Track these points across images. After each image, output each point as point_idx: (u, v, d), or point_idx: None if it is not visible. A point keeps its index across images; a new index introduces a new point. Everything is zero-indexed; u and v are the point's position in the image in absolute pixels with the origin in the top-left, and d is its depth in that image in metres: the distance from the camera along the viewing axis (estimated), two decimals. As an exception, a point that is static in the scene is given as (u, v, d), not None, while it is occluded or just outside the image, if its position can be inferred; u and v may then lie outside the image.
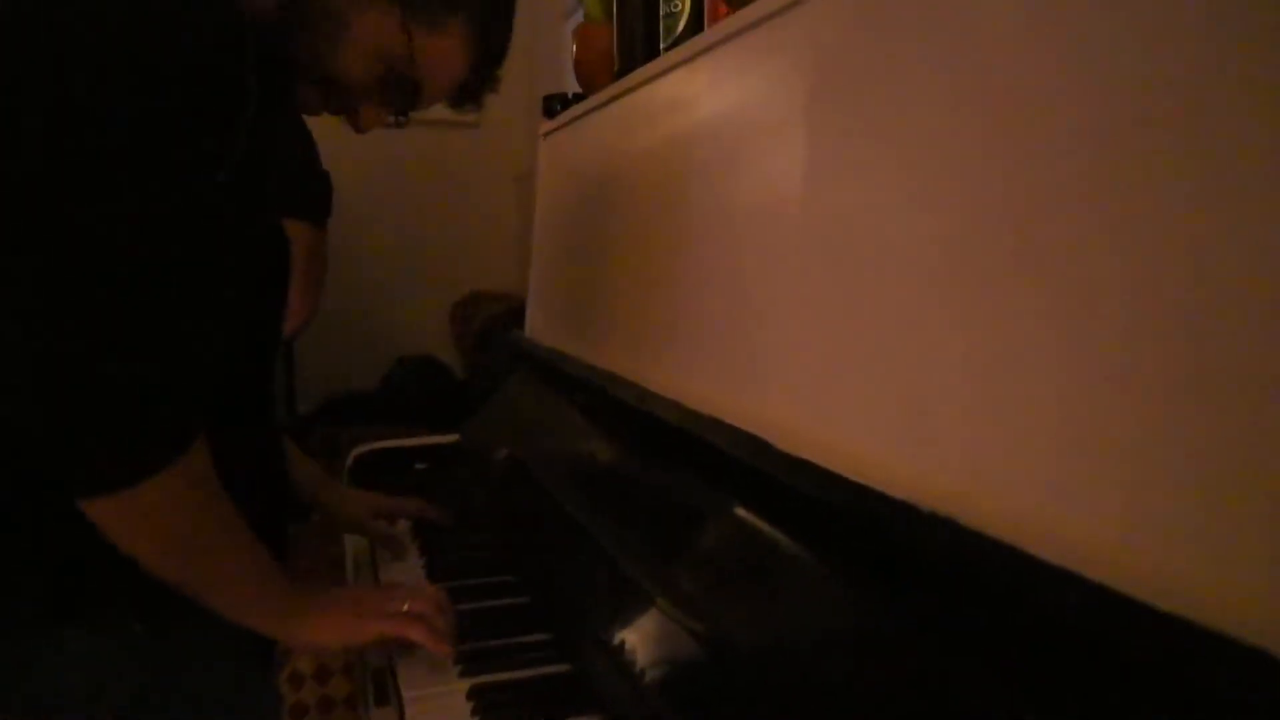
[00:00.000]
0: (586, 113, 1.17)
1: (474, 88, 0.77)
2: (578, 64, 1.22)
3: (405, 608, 0.75)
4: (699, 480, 0.70)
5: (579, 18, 1.33)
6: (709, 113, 0.82)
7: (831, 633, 0.51)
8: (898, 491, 0.47)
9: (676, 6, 0.98)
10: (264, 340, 0.79)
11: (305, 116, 1.81)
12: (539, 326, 1.34)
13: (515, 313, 1.49)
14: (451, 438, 1.35)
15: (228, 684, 0.75)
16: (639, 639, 0.66)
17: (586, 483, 0.86)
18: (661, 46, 1.00)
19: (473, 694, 0.70)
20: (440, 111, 2.78)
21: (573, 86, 1.30)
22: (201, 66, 0.57)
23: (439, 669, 0.74)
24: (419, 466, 1.32)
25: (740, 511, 0.63)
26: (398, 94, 0.72)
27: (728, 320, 0.74)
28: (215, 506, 0.65)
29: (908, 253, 0.52)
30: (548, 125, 1.34)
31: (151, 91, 0.55)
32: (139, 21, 0.54)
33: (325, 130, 1.91)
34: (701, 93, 0.84)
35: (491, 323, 2.32)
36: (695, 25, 0.95)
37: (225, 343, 0.71)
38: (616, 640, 0.68)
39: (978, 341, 0.46)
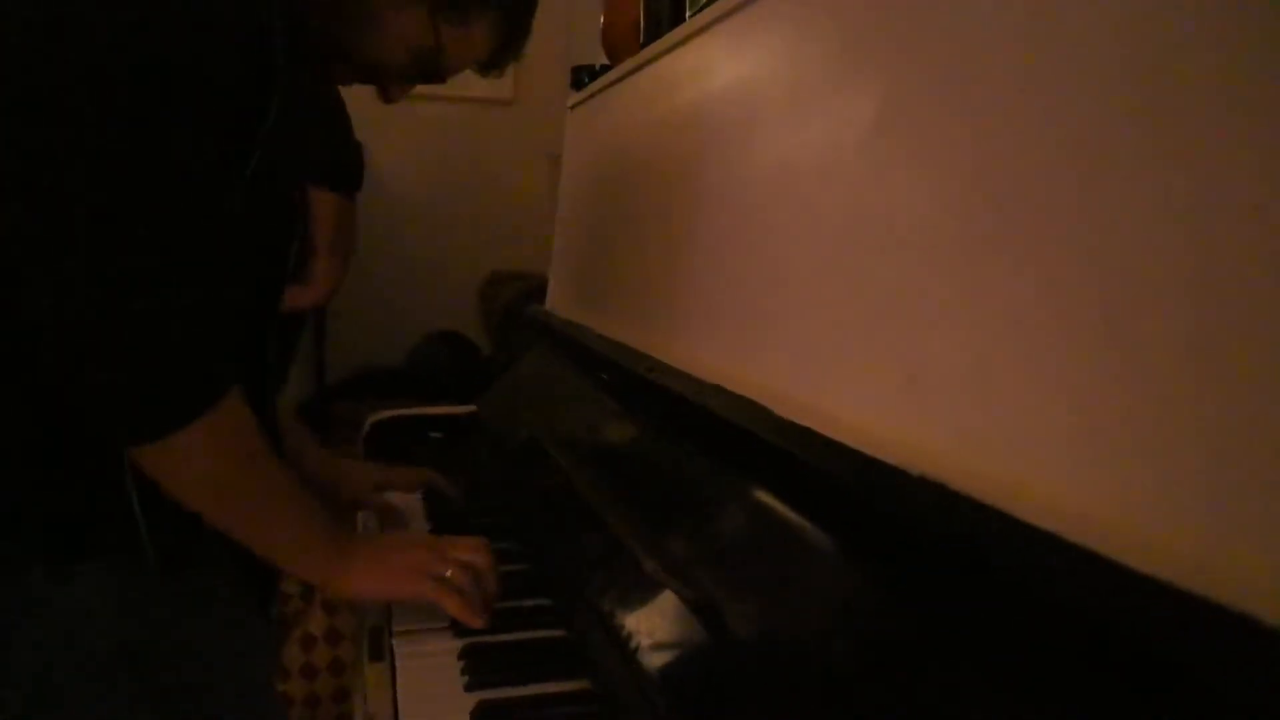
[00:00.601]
0: (611, 84, 1.15)
1: (498, 61, 0.80)
2: (605, 34, 1.20)
3: (449, 573, 0.74)
4: (700, 447, 0.69)
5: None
6: (725, 82, 0.81)
7: (829, 605, 0.50)
8: (893, 458, 0.45)
9: (704, -26, 0.96)
10: (261, 306, 0.79)
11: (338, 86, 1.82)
12: (559, 300, 1.33)
13: (540, 290, 1.49)
14: (468, 408, 1.35)
15: (230, 626, 0.75)
16: (633, 610, 0.65)
17: (592, 452, 0.85)
18: (687, 14, 0.98)
19: (464, 654, 0.70)
20: (477, 89, 2.79)
21: (605, 59, 1.29)
22: (235, 43, 0.60)
23: (433, 629, 0.74)
24: (434, 435, 1.32)
25: (740, 480, 0.62)
26: (423, 75, 0.76)
27: (738, 290, 0.73)
28: (257, 451, 0.66)
29: (919, 223, 0.50)
30: (575, 98, 1.32)
31: (188, 56, 0.58)
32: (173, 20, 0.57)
33: (361, 104, 1.93)
34: (719, 61, 0.83)
35: (517, 299, 2.32)
36: (722, -7, 0.93)
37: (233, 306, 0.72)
38: (610, 610, 0.67)
39: (983, 314, 0.44)
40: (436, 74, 0.76)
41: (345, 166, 1.80)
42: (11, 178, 0.57)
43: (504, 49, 0.78)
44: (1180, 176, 0.35)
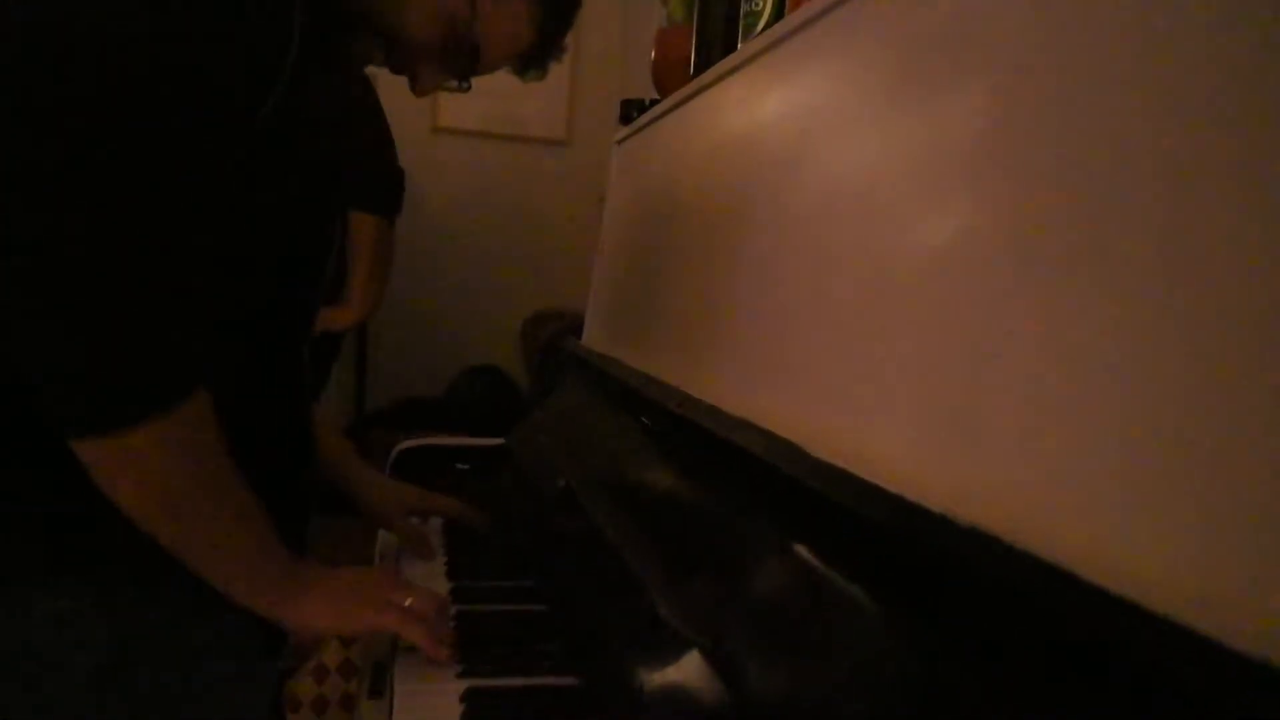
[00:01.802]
0: (657, 118, 1.13)
1: (539, 55, 0.76)
2: (656, 68, 1.19)
3: (408, 602, 0.71)
4: (729, 486, 0.64)
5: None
6: (768, 113, 0.78)
7: (862, 661, 0.45)
8: (937, 504, 0.41)
9: (758, 4, 0.94)
10: (294, 321, 0.76)
11: (383, 110, 1.83)
12: (595, 334, 1.31)
13: (579, 326, 1.47)
14: (496, 440, 1.32)
15: (223, 646, 0.71)
16: (649, 660, 0.60)
17: (616, 489, 0.81)
18: (739, 46, 0.96)
19: (467, 696, 0.66)
20: (534, 129, 2.81)
21: (653, 94, 1.27)
22: (248, 8, 0.56)
23: (438, 668, 0.70)
24: (460, 466, 1.29)
25: (769, 521, 0.57)
26: (458, 57, 0.70)
27: (775, 324, 0.69)
28: (211, 466, 0.61)
29: (966, 258, 0.46)
30: (621, 132, 1.31)
31: (193, 24, 0.54)
32: None
33: (415, 138, 1.95)
34: (764, 93, 0.80)
35: (554, 338, 2.31)
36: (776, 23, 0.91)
37: (253, 313, 0.70)
38: (624, 658, 0.62)
39: (1031, 347, 0.40)
40: (471, 57, 0.70)
41: (385, 190, 1.82)
42: None
43: (544, 35, 0.73)
44: (1267, 203, 0.30)
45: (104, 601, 0.64)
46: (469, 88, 0.76)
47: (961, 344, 0.45)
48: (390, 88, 1.94)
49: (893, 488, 0.44)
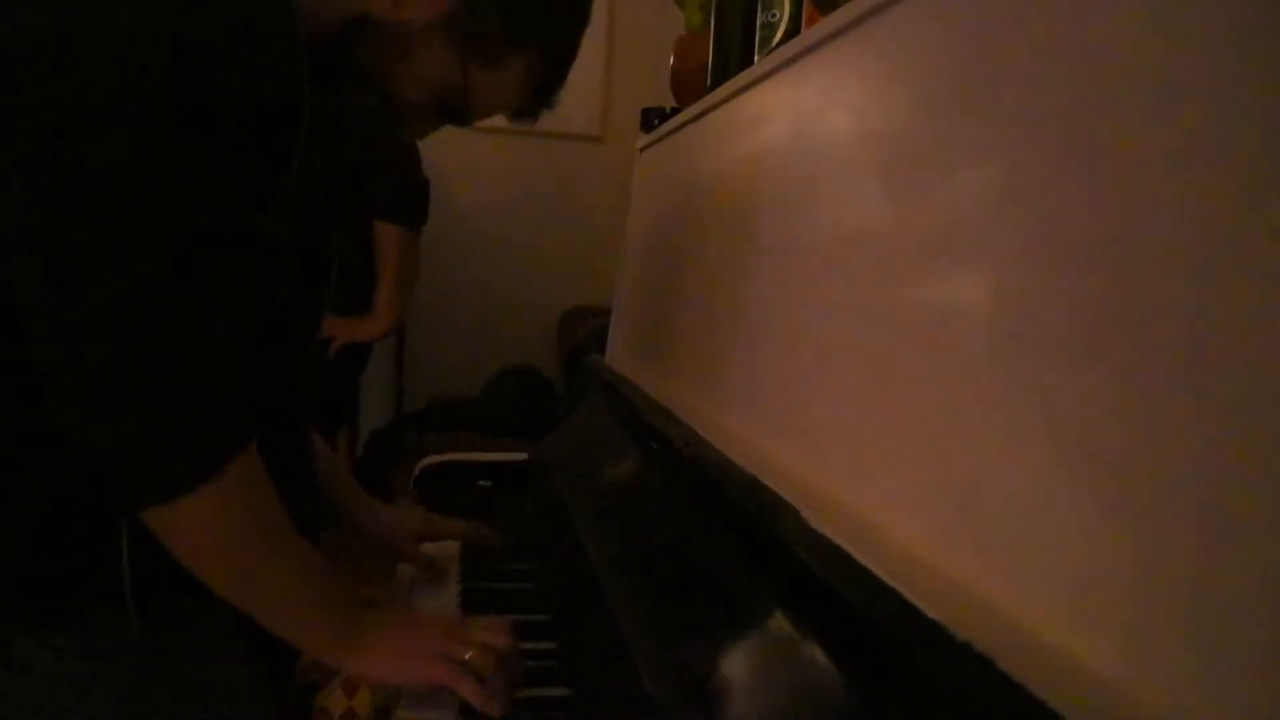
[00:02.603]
0: (678, 128, 1.10)
1: (531, 110, 0.76)
2: (674, 75, 1.15)
3: (467, 655, 0.69)
4: (729, 543, 0.61)
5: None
6: (790, 130, 0.74)
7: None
8: (936, 597, 0.37)
9: (775, 16, 0.90)
10: (292, 346, 0.76)
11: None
12: (618, 350, 1.28)
13: (607, 331, 1.45)
14: (520, 456, 1.30)
15: (225, 695, 0.71)
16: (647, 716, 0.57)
17: (621, 530, 0.79)
18: (756, 57, 0.92)
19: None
20: (569, 125, 2.78)
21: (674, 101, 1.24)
22: (265, 98, 0.57)
23: (437, 709, 0.69)
24: (482, 484, 1.28)
25: (765, 590, 0.54)
26: (446, 116, 0.72)
27: (783, 366, 0.65)
28: (267, 520, 0.62)
29: (982, 316, 0.42)
30: (643, 140, 1.28)
31: (213, 116, 0.55)
32: (202, 56, 0.54)
33: (443, 134, 1.95)
34: (784, 108, 0.76)
35: (585, 341, 2.29)
36: (793, 35, 0.87)
37: (257, 348, 0.69)
38: (625, 710, 0.60)
39: (1055, 422, 0.36)
40: (460, 116, 0.71)
41: (410, 201, 1.82)
42: (21, 211, 0.54)
43: (537, 96, 0.74)
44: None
45: (104, 655, 0.64)
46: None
47: (979, 418, 0.42)
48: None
49: (891, 575, 0.41)
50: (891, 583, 0.39)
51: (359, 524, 0.96)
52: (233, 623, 0.70)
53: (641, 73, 2.79)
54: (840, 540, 0.45)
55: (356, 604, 0.69)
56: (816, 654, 0.45)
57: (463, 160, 2.85)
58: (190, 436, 0.57)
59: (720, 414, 0.76)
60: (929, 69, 0.52)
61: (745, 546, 0.58)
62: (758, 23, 0.92)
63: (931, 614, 0.36)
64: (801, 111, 0.71)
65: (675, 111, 1.18)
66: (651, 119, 1.23)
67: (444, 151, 2.85)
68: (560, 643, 0.80)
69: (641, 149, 1.30)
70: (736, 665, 0.51)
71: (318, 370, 0.85)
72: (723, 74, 0.98)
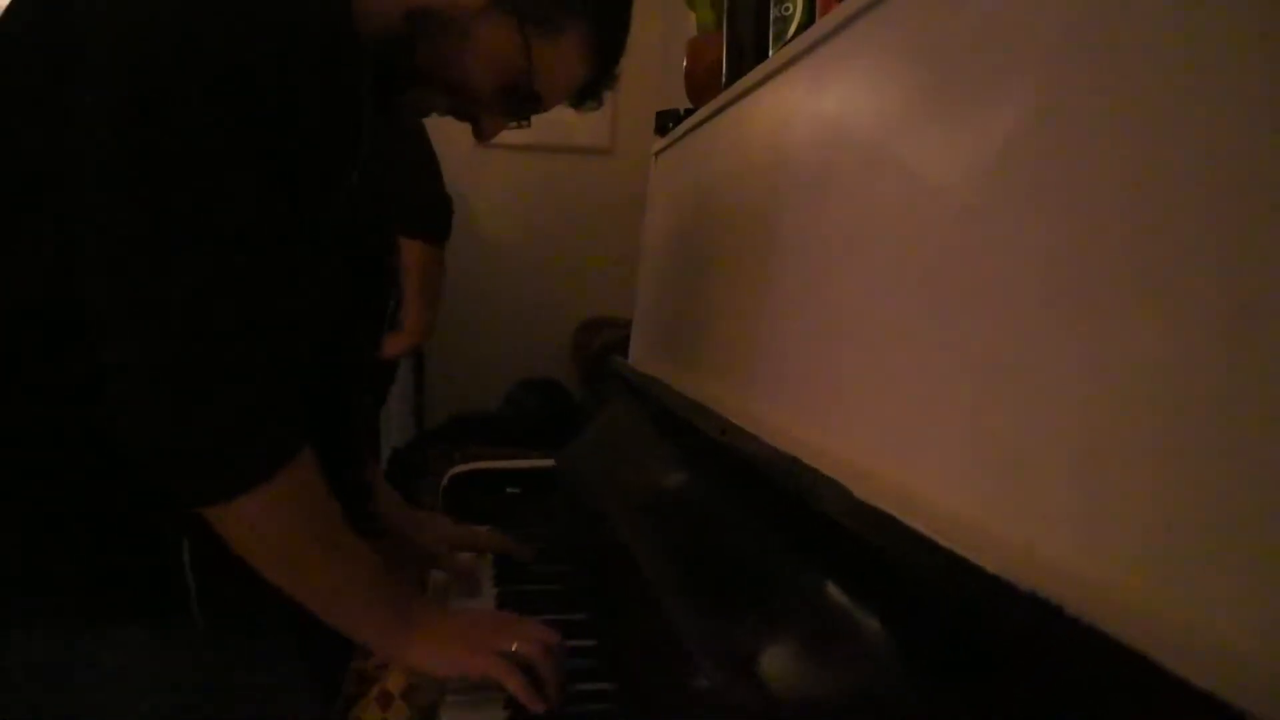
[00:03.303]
0: (693, 128, 1.11)
1: (593, 88, 0.77)
2: (688, 77, 1.16)
3: (514, 647, 0.70)
4: (771, 524, 0.62)
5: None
6: (808, 122, 0.74)
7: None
8: (993, 560, 0.37)
9: (788, 9, 0.90)
10: (348, 352, 0.77)
11: (431, 141, 1.86)
12: (641, 352, 1.28)
13: (629, 338, 1.45)
14: (547, 463, 1.31)
15: (279, 693, 0.72)
16: (694, 707, 0.58)
17: (659, 522, 0.79)
18: (770, 52, 0.93)
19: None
20: (578, 138, 2.80)
21: (688, 103, 1.24)
22: (326, 102, 0.59)
23: (484, 709, 0.69)
24: (511, 491, 1.28)
25: (812, 566, 0.54)
26: (518, 101, 0.72)
27: (819, 348, 0.66)
28: (322, 518, 0.64)
29: (1026, 276, 0.43)
30: (659, 144, 1.29)
31: (276, 123, 0.57)
32: (262, 65, 0.56)
33: (460, 152, 1.96)
34: (801, 99, 0.77)
35: (605, 349, 2.30)
36: (808, 27, 0.88)
37: (312, 353, 0.71)
38: (669, 701, 0.60)
39: (1104, 384, 0.36)
40: (530, 100, 0.72)
41: (434, 216, 1.83)
42: (92, 211, 0.56)
43: (598, 70, 0.74)
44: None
45: (164, 656, 0.65)
46: (529, 124, 0.77)
47: (1023, 378, 0.42)
48: (432, 107, 1.96)
49: (943, 537, 0.41)
50: (948, 544, 0.40)
51: (405, 534, 0.97)
52: (289, 625, 0.71)
53: (649, 85, 2.81)
54: (889, 509, 0.45)
55: (407, 598, 0.71)
56: (874, 625, 0.45)
57: (475, 177, 2.87)
58: (250, 437, 0.59)
59: (752, 404, 0.76)
60: (947, 47, 0.53)
61: (790, 527, 0.58)
62: (771, 17, 0.93)
63: (991, 569, 0.36)
64: (824, 94, 0.71)
65: (690, 113, 1.19)
66: (666, 122, 1.24)
67: (456, 169, 2.87)
68: (601, 639, 0.80)
69: (656, 153, 1.31)
70: (795, 643, 0.51)
71: (373, 383, 0.87)
72: (737, 71, 0.99)
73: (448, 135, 1.96)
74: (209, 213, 0.55)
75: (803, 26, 0.88)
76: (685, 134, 1.15)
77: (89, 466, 0.62)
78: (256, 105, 0.56)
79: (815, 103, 0.73)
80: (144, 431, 0.57)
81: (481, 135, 0.75)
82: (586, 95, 0.77)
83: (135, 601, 0.64)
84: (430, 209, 1.83)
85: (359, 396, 0.80)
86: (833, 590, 0.50)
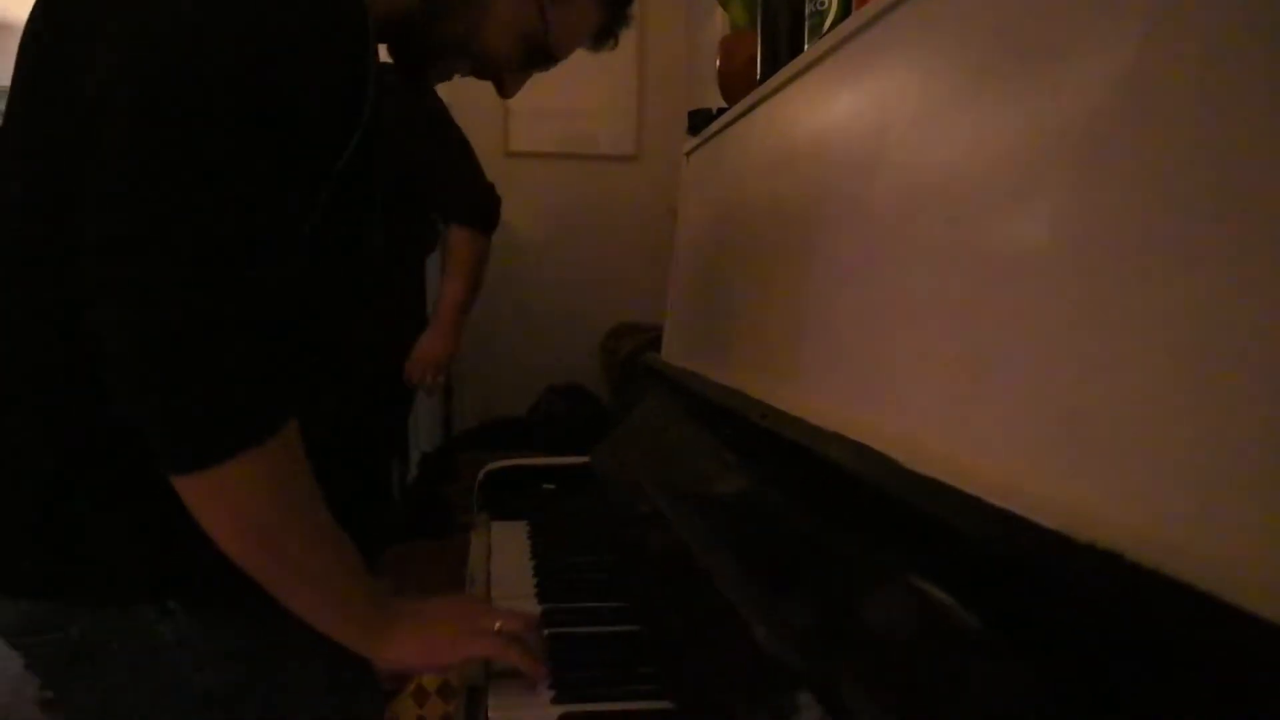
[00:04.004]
0: (727, 125, 1.12)
1: (609, 30, 0.79)
2: (721, 76, 1.17)
3: (498, 626, 0.70)
4: (820, 502, 0.62)
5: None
6: (848, 110, 0.75)
7: (973, 693, 0.42)
8: (1054, 522, 0.38)
9: (824, 4, 0.91)
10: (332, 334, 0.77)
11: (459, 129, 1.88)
12: (675, 348, 1.29)
13: (657, 342, 1.46)
14: (581, 459, 1.31)
15: (331, 679, 0.73)
16: (744, 686, 0.58)
17: (704, 506, 0.80)
18: (806, 44, 0.94)
19: (563, 722, 0.65)
20: (603, 146, 2.83)
21: (720, 102, 1.26)
22: (331, 74, 0.59)
23: (531, 693, 0.69)
24: (546, 487, 1.29)
25: (865, 539, 0.54)
26: (537, 60, 0.75)
27: (862, 330, 0.66)
28: (302, 498, 0.62)
29: (1074, 244, 0.43)
30: (690, 143, 1.30)
31: (279, 95, 0.56)
32: (268, 37, 0.56)
33: (484, 160, 1.99)
34: (840, 89, 0.78)
35: (634, 353, 2.31)
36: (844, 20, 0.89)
37: (318, 341, 0.71)
38: (720, 684, 0.61)
39: (1156, 344, 0.37)
40: (547, 54, 0.74)
41: (485, 204, 1.86)
42: (84, 184, 0.56)
43: (611, 14, 0.77)
44: None
45: (217, 634, 0.66)
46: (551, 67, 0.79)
47: (1077, 344, 0.42)
48: (460, 116, 1.98)
49: (1002, 503, 0.41)
50: (1006, 505, 0.40)
51: None
52: None
53: (674, 92, 2.83)
54: (944, 477, 0.46)
55: (382, 594, 0.69)
56: (936, 592, 0.45)
57: (501, 185, 2.90)
58: (225, 407, 0.56)
59: (798, 394, 0.77)
60: (998, 29, 0.54)
61: (838, 503, 0.59)
62: (806, 12, 0.94)
63: (1049, 524, 0.37)
64: (868, 82, 0.72)
65: (722, 112, 1.20)
66: (699, 121, 1.26)
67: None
68: (645, 625, 0.81)
69: (688, 152, 1.32)
70: (851, 615, 0.51)
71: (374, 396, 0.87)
72: (772, 66, 1.00)
73: (474, 143, 1.99)
74: (208, 182, 0.55)
75: (839, 16, 0.89)
76: (719, 131, 1.16)
77: (136, 446, 0.60)
78: (260, 78, 0.55)
79: (856, 92, 0.74)
80: (127, 393, 0.56)
81: (505, 93, 0.78)
82: (602, 39, 0.80)
83: (188, 580, 0.65)
84: (482, 197, 1.87)
85: (371, 394, 0.81)
86: (891, 563, 0.51)
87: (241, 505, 0.59)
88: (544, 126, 2.82)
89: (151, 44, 0.55)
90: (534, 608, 0.89)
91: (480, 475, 1.31)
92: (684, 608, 0.73)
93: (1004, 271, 0.49)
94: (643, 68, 2.83)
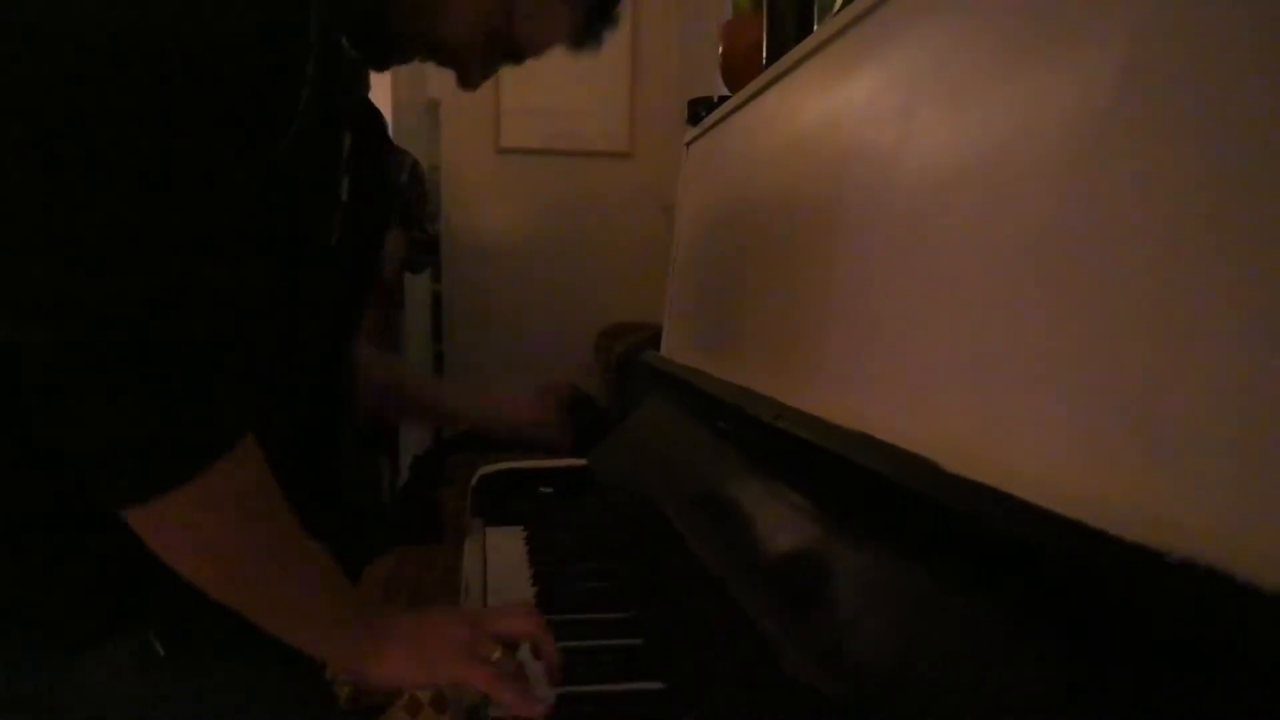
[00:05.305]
0: (729, 114, 1.07)
1: (588, 31, 0.73)
2: (724, 62, 1.13)
3: (496, 655, 0.64)
4: (845, 508, 0.58)
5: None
6: (862, 93, 0.71)
7: (1020, 711, 0.38)
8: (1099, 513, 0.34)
9: (834, -16, 0.87)
10: (332, 350, 0.73)
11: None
12: (675, 345, 1.25)
13: (653, 340, 1.42)
14: (579, 462, 1.27)
15: (303, 700, 0.68)
16: (761, 698, 0.54)
17: (714, 513, 0.75)
18: (815, 27, 0.89)
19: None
20: (596, 143, 2.82)
21: (723, 92, 1.22)
22: (260, 39, 0.52)
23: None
24: (544, 490, 1.25)
25: (896, 549, 0.50)
26: (501, 54, 0.70)
27: (888, 326, 0.62)
28: (265, 519, 0.57)
29: (1137, 235, 0.39)
30: (691, 133, 1.26)
31: (202, 84, 0.50)
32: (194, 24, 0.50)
33: (474, 157, 1.95)
34: (854, 70, 0.73)
35: (629, 352, 2.27)
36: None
37: (287, 344, 0.66)
38: (738, 704, 0.56)
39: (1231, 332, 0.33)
40: (516, 51, 0.70)
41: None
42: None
43: (589, 13, 0.71)
44: None
45: (130, 684, 0.61)
46: (519, 62, 0.74)
47: (1134, 333, 0.38)
48: (452, 115, 1.94)
49: (1057, 507, 0.37)
50: (1062, 510, 0.36)
51: (489, 418, 0.99)
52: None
53: (666, 89, 2.80)
54: (987, 481, 0.42)
55: (367, 605, 0.64)
56: (979, 605, 0.41)
57: (494, 182, 2.86)
58: (168, 432, 0.51)
59: (810, 390, 0.72)
60: (1023, 5, 0.50)
61: (860, 507, 0.55)
62: (815, -6, 0.90)
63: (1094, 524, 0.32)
64: (887, 60, 0.68)
65: (724, 100, 1.16)
66: (699, 110, 1.21)
67: (475, 174, 2.87)
68: (649, 638, 0.77)
69: (688, 142, 1.28)
70: (882, 630, 0.47)
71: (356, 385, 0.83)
72: (779, 51, 0.96)
73: (466, 139, 1.96)
74: (126, 188, 0.49)
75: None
76: (721, 120, 1.12)
77: (32, 474, 0.56)
78: (184, 66, 0.50)
79: (876, 73, 0.70)
80: (57, 425, 0.50)
81: (466, 84, 0.72)
82: (582, 40, 0.74)
83: (90, 624, 0.59)
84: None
85: (343, 400, 0.76)
86: (930, 575, 0.46)
87: (197, 533, 0.53)
88: (535, 122, 2.77)
89: (54, 28, 0.48)
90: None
91: (474, 479, 1.27)
92: (698, 624, 0.69)
93: (1055, 265, 0.44)
94: (636, 62, 2.79)
